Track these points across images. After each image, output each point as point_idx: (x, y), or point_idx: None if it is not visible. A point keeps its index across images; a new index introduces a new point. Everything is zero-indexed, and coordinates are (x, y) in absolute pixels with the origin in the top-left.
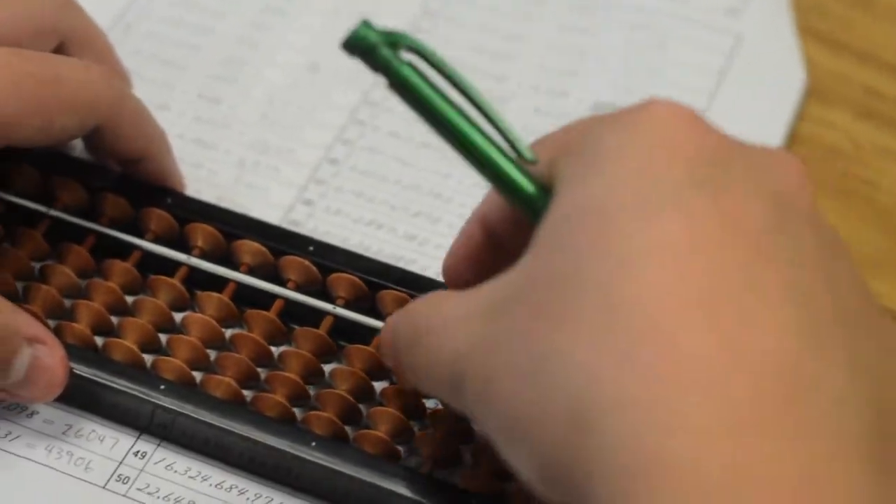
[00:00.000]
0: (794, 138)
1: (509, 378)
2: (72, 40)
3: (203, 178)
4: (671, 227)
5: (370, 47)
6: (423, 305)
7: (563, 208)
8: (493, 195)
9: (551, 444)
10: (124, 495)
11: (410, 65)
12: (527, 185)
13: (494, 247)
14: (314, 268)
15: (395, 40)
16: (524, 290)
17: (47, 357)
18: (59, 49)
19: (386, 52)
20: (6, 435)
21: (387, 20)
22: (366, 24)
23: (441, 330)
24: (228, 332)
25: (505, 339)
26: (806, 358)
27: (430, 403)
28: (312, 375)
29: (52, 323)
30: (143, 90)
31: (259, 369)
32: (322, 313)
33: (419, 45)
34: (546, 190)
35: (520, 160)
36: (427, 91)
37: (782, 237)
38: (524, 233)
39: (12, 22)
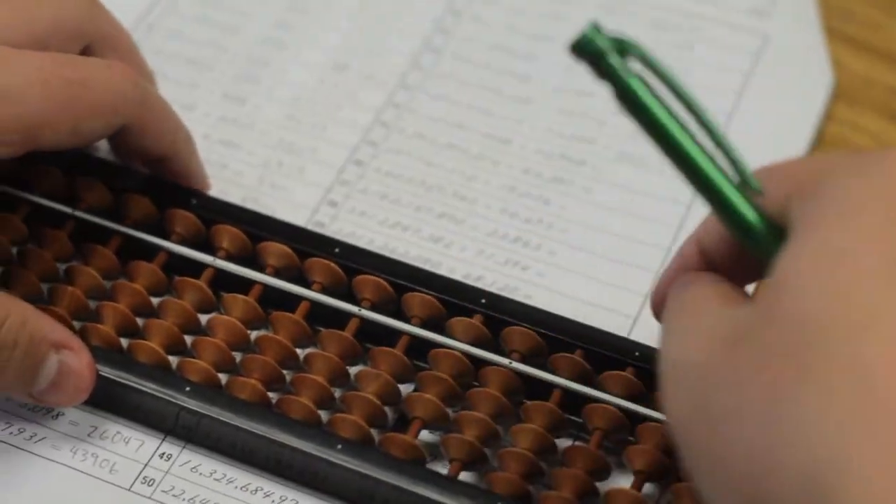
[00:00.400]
0: (820, 140)
1: (738, 422)
2: (98, 42)
3: (228, 179)
4: None
5: (599, 53)
6: (698, 282)
7: (805, 253)
8: (712, 219)
9: (778, 499)
10: (150, 497)
11: (640, 77)
12: (753, 218)
13: (709, 268)
14: (340, 270)
15: (624, 48)
16: (761, 332)
17: (74, 362)
18: (86, 51)
19: (615, 60)
20: (31, 437)
21: (411, 19)
22: (595, 27)
23: (691, 327)
24: (254, 335)
25: (740, 378)
26: None
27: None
28: (338, 378)
29: (77, 324)
30: (168, 90)
31: (285, 371)
32: (348, 315)
33: (648, 57)
34: (773, 225)
35: (744, 187)
36: (655, 107)
37: None
38: (742, 261)
39: (40, 26)
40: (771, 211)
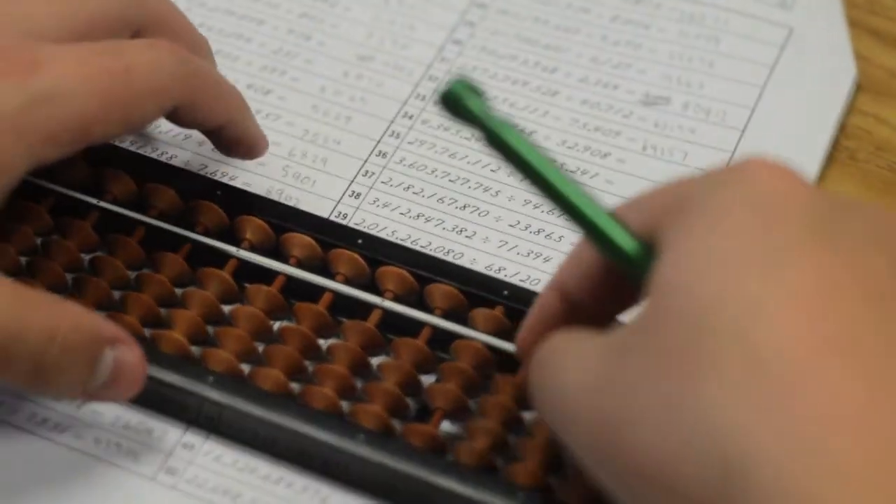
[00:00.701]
0: (843, 132)
1: (642, 426)
2: (147, 26)
3: (252, 169)
4: (799, 274)
5: (462, 104)
6: (553, 337)
7: (678, 259)
8: (572, 260)
9: (697, 497)
10: (173, 487)
11: (505, 121)
12: (626, 240)
13: (571, 315)
14: (363, 261)
15: (481, 93)
16: (650, 336)
17: (128, 356)
18: (135, 35)
19: (480, 109)
20: (55, 426)
21: (437, 11)
22: (460, 81)
23: (560, 361)
24: (276, 325)
25: (634, 383)
26: None
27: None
28: (360, 368)
29: (101, 314)
30: None
31: (307, 362)
32: (370, 306)
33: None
34: (646, 247)
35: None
36: (523, 148)
37: None
38: (608, 293)
39: (82, 17)
40: (640, 234)
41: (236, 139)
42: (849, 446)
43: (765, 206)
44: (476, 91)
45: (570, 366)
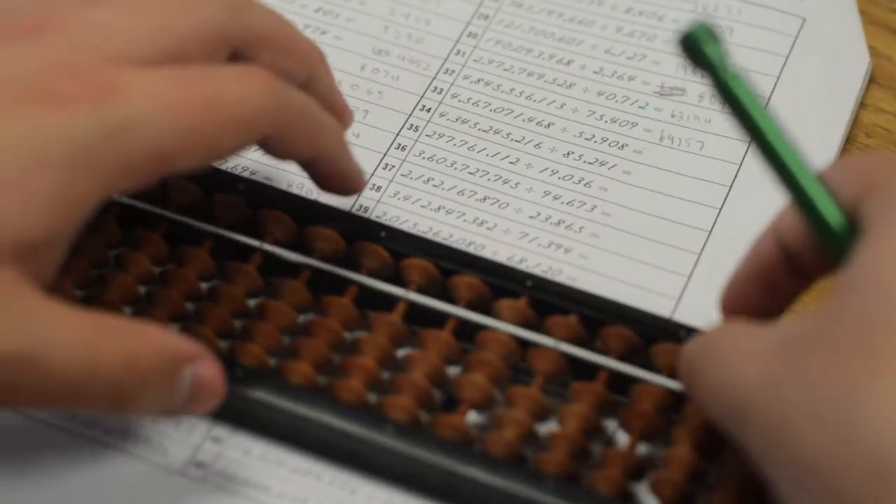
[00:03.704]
0: (862, 130)
1: (804, 420)
2: (249, 44)
3: (272, 164)
4: None
5: (699, 48)
6: (720, 331)
7: (881, 253)
8: (790, 209)
9: (848, 494)
10: (202, 480)
11: (737, 74)
12: (835, 220)
13: (784, 266)
14: (387, 254)
15: (720, 40)
16: (830, 330)
17: (207, 372)
18: (235, 55)
19: (716, 57)
20: (84, 421)
21: (452, 5)
22: (701, 25)
23: (733, 357)
24: (303, 319)
25: (802, 378)
26: None
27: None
28: (387, 361)
29: (128, 310)
30: None
31: (334, 355)
32: (396, 299)
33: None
34: (851, 223)
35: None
36: (749, 102)
37: None
38: (819, 255)
39: (175, 37)
40: (843, 207)
41: (330, 173)
42: None
43: None
44: (715, 37)
45: (739, 360)
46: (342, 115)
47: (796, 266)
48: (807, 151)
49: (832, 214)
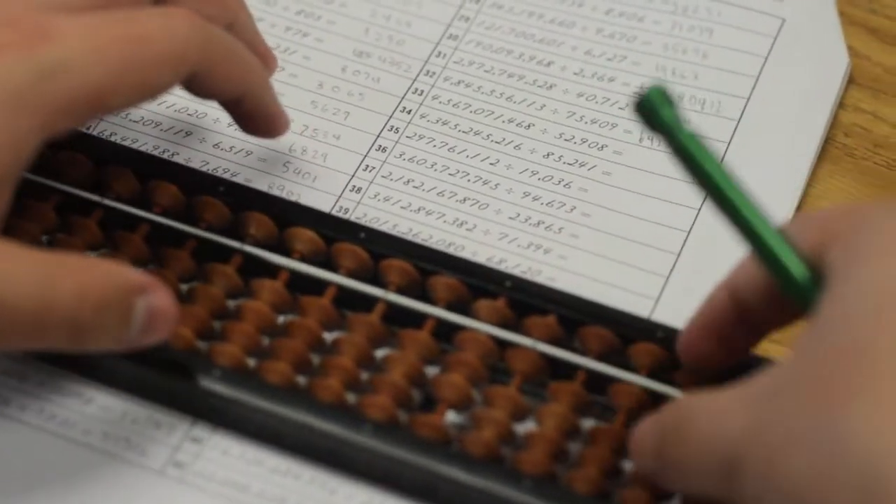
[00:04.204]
0: (841, 129)
1: (794, 449)
2: None
3: (253, 165)
4: None
5: (655, 112)
6: (682, 401)
7: (848, 290)
8: (746, 264)
9: None
10: (181, 480)
11: (692, 133)
12: (799, 272)
13: (738, 318)
14: (366, 254)
15: (675, 103)
16: (806, 369)
17: (159, 301)
18: (158, 1)
19: (669, 117)
20: (64, 422)
21: (432, 6)
22: (656, 88)
23: (711, 417)
24: (282, 319)
25: (788, 415)
26: None
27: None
28: (366, 361)
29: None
30: None
31: (313, 355)
32: (374, 299)
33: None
34: (813, 271)
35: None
36: (706, 162)
37: None
38: (774, 305)
39: None
40: (806, 259)
41: (255, 113)
42: None
43: None
44: (670, 101)
45: (720, 418)
46: (266, 59)
47: (750, 319)
48: (786, 151)
49: (796, 267)
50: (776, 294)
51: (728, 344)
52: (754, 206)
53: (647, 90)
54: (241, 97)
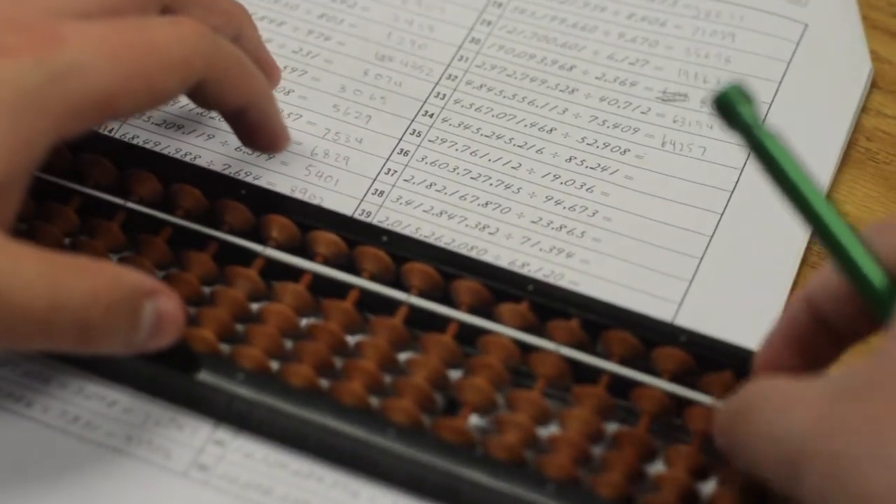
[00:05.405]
0: (863, 134)
1: (869, 461)
2: (176, 1)
3: (275, 169)
4: None
5: (733, 109)
6: (761, 385)
7: None
8: (824, 273)
9: None
10: (205, 483)
11: (773, 135)
12: (878, 279)
13: (818, 330)
14: (388, 258)
15: (753, 100)
16: (884, 377)
17: (167, 306)
18: (165, 11)
19: (751, 118)
20: (87, 424)
21: (455, 11)
22: (735, 86)
23: (783, 407)
24: (305, 322)
25: (862, 422)
26: None
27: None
28: (389, 364)
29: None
30: None
31: (336, 359)
32: (397, 303)
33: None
34: (892, 278)
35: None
36: (785, 163)
37: None
38: (854, 317)
39: None
40: (884, 265)
41: (257, 125)
42: None
43: None
44: (748, 98)
45: (791, 409)
46: (270, 72)
47: (830, 330)
48: (808, 156)
49: (874, 274)
50: (856, 303)
51: (809, 357)
52: (833, 209)
53: (726, 87)
54: (244, 108)
